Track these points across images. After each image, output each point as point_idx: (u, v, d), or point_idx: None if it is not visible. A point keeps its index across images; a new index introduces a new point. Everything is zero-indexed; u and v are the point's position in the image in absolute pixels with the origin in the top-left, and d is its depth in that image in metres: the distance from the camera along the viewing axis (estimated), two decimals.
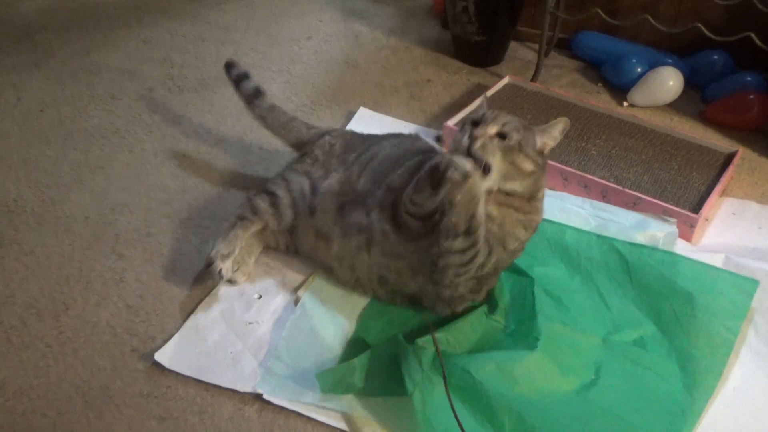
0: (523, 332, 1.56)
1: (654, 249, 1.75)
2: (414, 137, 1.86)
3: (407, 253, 1.53)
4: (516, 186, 1.46)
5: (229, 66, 2.06)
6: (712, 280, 1.67)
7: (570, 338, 1.56)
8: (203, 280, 1.73)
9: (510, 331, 1.59)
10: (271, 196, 1.74)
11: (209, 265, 1.65)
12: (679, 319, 1.60)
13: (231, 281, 1.72)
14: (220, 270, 1.65)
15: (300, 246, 1.78)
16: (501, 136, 1.41)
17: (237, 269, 1.73)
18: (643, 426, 1.40)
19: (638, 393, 1.48)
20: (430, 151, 1.74)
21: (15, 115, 2.36)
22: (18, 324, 1.60)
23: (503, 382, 1.44)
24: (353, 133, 1.90)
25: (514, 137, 1.41)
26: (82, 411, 1.43)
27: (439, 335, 1.50)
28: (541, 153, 1.48)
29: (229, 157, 2.20)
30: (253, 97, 2.02)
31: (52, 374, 1.50)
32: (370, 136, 1.87)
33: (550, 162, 2.03)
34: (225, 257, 1.66)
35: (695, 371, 1.52)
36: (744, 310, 1.62)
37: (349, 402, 1.44)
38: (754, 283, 1.66)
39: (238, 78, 2.04)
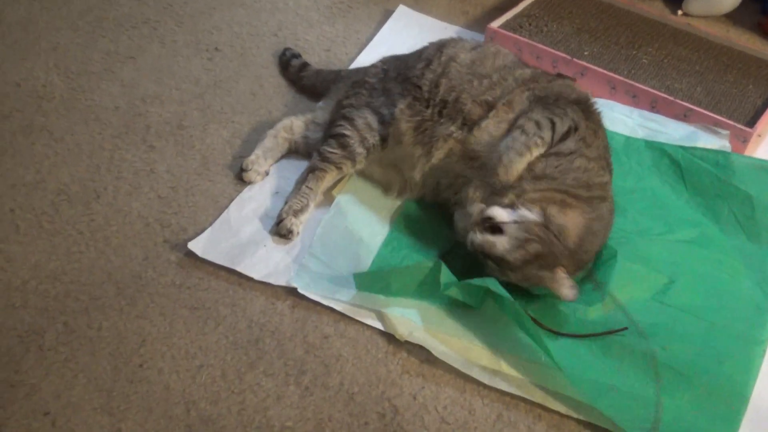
0: None
1: (706, 150, 1.69)
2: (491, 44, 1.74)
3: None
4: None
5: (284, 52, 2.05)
6: None
7: (636, 247, 1.52)
8: (237, 177, 1.71)
9: None
10: (338, 137, 1.62)
11: (280, 222, 1.56)
12: (739, 220, 1.59)
13: (245, 180, 1.67)
14: (291, 228, 1.55)
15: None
16: None
17: (251, 168, 1.67)
18: (724, 325, 1.40)
19: (712, 292, 1.46)
20: (516, 65, 1.64)
21: (42, 0, 2.29)
22: (49, 209, 1.58)
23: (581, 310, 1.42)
24: (402, 55, 1.76)
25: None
26: (114, 297, 1.42)
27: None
28: None
29: (261, 53, 2.12)
30: (299, 71, 1.97)
31: (84, 260, 1.49)
32: (422, 51, 1.72)
33: (597, 69, 1.96)
34: (297, 213, 1.57)
35: (761, 268, 1.51)
36: None
37: (385, 301, 1.42)
38: None
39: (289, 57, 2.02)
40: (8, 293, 1.41)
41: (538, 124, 1.44)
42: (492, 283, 1.35)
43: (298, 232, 1.57)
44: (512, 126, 1.48)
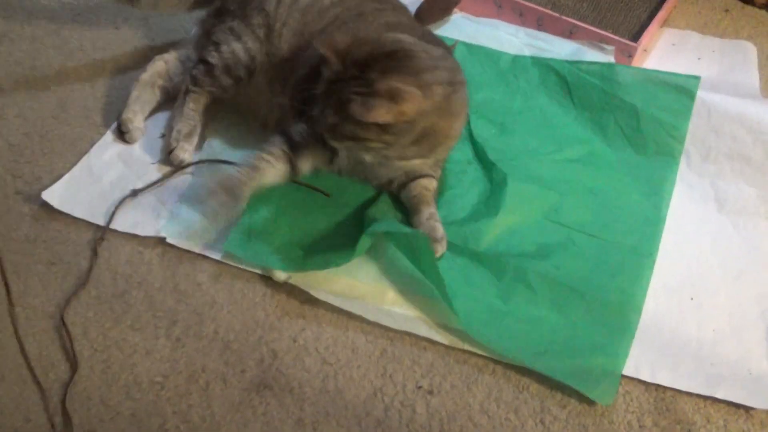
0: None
1: (592, 63, 1.66)
2: None
3: None
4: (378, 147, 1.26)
5: None
6: (653, 85, 1.61)
7: (526, 167, 1.49)
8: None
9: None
10: (205, 63, 1.49)
11: (171, 152, 1.44)
12: (625, 133, 1.57)
13: (129, 142, 1.51)
14: (183, 157, 1.44)
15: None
16: None
17: (131, 128, 1.51)
18: (616, 240, 1.39)
19: (602, 208, 1.45)
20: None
21: None
22: None
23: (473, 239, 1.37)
24: None
25: (345, 130, 1.23)
26: None
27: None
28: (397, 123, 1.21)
29: None
30: None
31: None
32: None
33: None
34: (188, 137, 1.45)
35: (649, 180, 1.50)
36: (688, 110, 1.57)
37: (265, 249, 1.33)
38: (695, 79, 1.60)
39: None
40: None
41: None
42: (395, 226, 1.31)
43: (135, 135, 1.48)
44: None
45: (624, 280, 1.33)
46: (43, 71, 1.65)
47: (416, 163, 1.35)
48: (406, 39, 1.27)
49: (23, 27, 1.76)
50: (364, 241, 1.28)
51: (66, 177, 1.42)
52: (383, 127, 1.19)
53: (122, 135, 1.52)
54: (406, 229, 1.30)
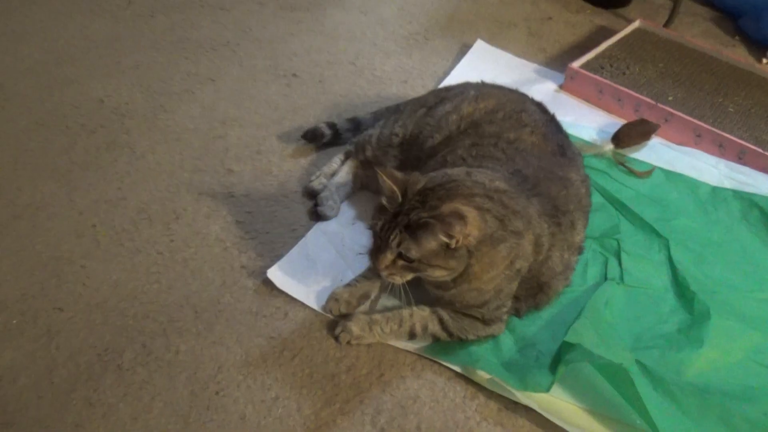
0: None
1: None
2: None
3: None
4: (440, 275, 1.29)
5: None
6: None
7: (727, 302, 1.47)
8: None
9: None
10: (362, 133, 1.77)
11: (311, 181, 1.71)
12: None
13: (322, 216, 1.64)
14: (313, 185, 1.69)
15: None
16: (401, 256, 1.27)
17: (326, 203, 1.66)
18: None
19: None
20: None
21: (126, 18, 2.33)
22: (130, 227, 1.59)
23: (674, 370, 1.36)
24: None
25: (413, 254, 1.25)
26: (192, 321, 1.42)
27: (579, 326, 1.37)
28: (460, 247, 1.25)
29: (339, 80, 2.12)
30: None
31: (162, 281, 1.49)
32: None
33: (682, 115, 1.91)
34: (327, 174, 1.73)
35: None
36: None
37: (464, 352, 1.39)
38: None
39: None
40: (89, 310, 1.42)
41: None
42: (593, 356, 1.30)
43: (327, 210, 1.65)
44: None
45: None
46: (267, 156, 1.82)
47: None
48: (457, 173, 1.32)
49: (251, 115, 1.96)
50: (561, 370, 1.30)
51: (285, 258, 1.54)
52: (450, 252, 1.24)
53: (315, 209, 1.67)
54: (606, 358, 1.29)
